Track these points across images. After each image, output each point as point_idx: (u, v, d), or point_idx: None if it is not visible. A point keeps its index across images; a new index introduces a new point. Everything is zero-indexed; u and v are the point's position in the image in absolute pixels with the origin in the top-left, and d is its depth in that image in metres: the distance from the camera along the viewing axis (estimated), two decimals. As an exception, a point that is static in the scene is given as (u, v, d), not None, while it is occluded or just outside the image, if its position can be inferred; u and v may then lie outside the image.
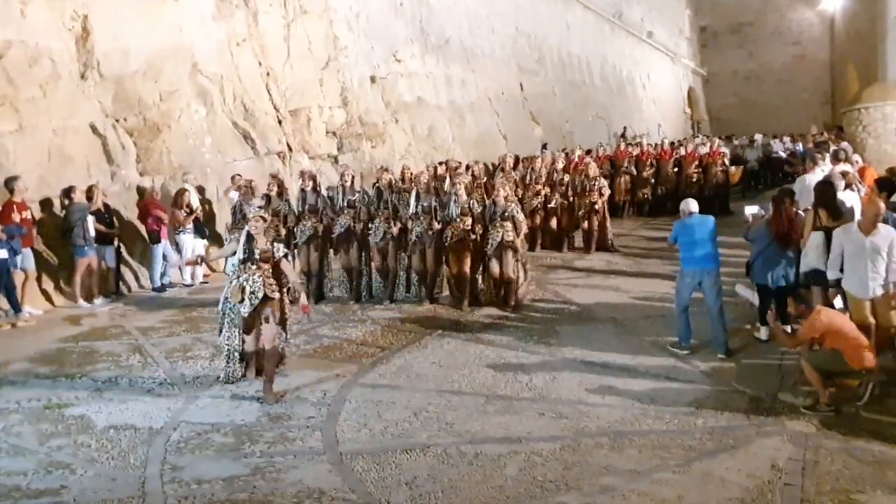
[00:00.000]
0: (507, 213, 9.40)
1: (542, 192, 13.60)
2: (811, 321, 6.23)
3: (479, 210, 9.56)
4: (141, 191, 11.78)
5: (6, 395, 6.72)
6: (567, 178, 13.92)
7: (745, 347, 7.83)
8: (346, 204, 10.09)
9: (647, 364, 7.33)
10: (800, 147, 24.76)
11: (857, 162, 12.67)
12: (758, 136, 26.17)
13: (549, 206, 13.67)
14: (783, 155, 24.86)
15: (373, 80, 17.34)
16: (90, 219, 10.19)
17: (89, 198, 10.35)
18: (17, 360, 7.74)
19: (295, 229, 10.15)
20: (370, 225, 9.97)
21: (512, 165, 14.43)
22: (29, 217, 9.66)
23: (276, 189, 10.43)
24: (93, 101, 11.38)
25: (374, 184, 10.59)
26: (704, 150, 18.38)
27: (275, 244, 6.61)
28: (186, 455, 5.46)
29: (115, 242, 10.79)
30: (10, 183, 9.53)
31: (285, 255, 6.71)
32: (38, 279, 10.05)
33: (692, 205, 8.00)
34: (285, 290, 6.72)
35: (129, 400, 6.58)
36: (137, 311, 10.01)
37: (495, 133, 21.98)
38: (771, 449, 5.42)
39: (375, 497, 4.82)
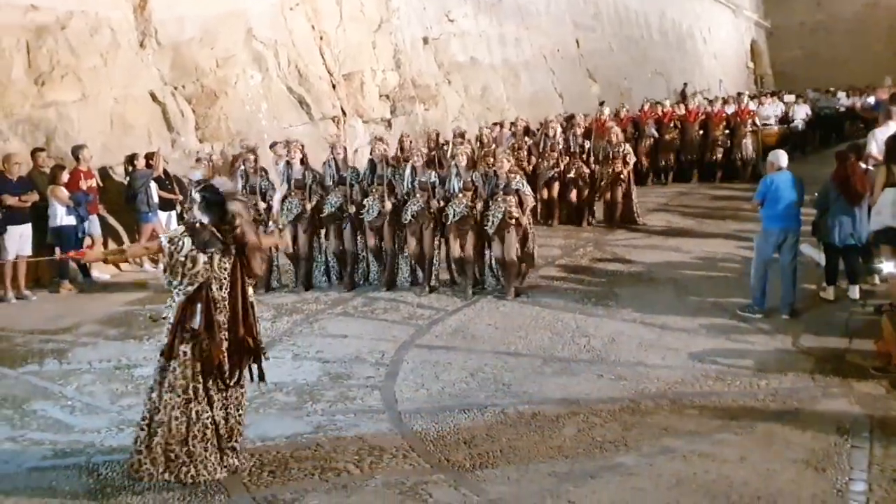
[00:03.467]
0: (510, 187, 8.34)
1: (559, 161, 12.29)
2: None
3: (481, 183, 8.51)
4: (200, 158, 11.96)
5: (79, 356, 6.98)
6: (588, 144, 12.45)
7: (811, 308, 7.63)
8: (338, 180, 9.01)
9: (709, 325, 7.21)
10: (871, 100, 23.48)
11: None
12: (809, 92, 24.35)
13: (568, 175, 12.30)
14: (842, 109, 23.43)
15: (425, 41, 17.16)
16: (153, 185, 10.42)
17: (150, 165, 10.57)
18: (87, 323, 8.01)
19: (282, 206, 9.04)
20: (364, 202, 8.87)
21: (523, 131, 13.10)
22: (94, 184, 9.93)
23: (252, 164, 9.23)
24: (151, 69, 11.55)
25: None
26: (731, 109, 16.87)
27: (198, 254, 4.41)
28: (250, 413, 5.55)
29: (178, 208, 11.02)
30: (76, 151, 9.80)
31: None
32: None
33: (782, 158, 7.64)
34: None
35: (195, 361, 6.75)
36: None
37: (551, 91, 21.62)
38: (837, 411, 5.31)
39: (435, 455, 4.88)
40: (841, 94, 24.72)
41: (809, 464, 4.60)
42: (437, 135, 11.53)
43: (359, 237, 9.14)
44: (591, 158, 12.36)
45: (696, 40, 34.35)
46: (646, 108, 17.15)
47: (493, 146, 11.52)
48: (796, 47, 42.71)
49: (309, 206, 8.96)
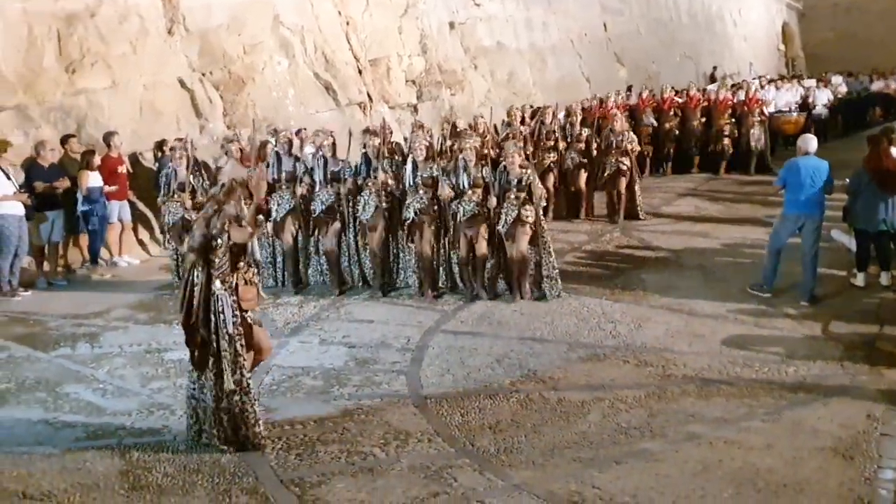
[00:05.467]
0: (523, 183, 7.72)
1: (558, 148, 11.44)
2: None
3: (490, 178, 7.86)
4: (228, 143, 12.06)
5: (110, 340, 7.10)
6: (586, 132, 11.68)
7: (840, 294, 7.54)
8: (329, 176, 8.33)
9: (736, 311, 7.15)
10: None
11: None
12: (830, 76, 22.87)
13: (564, 166, 11.49)
14: (864, 94, 22.69)
15: (451, 25, 17.10)
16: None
17: (180, 151, 10.67)
18: (118, 307, 8.13)
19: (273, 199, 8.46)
20: (359, 199, 8.25)
21: (520, 119, 12.29)
22: (124, 171, 10.06)
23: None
24: (180, 56, 11.64)
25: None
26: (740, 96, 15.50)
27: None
28: (279, 397, 5.67)
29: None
30: (107, 138, 9.93)
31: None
32: (135, 230, 10.50)
33: (811, 143, 7.51)
34: None
35: (223, 345, 6.83)
36: (228, 260, 10.31)
37: (578, 76, 21.46)
38: (867, 398, 5.25)
39: (460, 440, 4.91)
40: (864, 79, 23.88)
41: (837, 451, 4.56)
42: (423, 127, 10.05)
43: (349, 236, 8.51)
44: (591, 148, 11.60)
45: (725, 22, 33.84)
46: (643, 94, 16.13)
47: (490, 136, 10.54)
48: (829, 29, 41.82)
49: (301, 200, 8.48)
